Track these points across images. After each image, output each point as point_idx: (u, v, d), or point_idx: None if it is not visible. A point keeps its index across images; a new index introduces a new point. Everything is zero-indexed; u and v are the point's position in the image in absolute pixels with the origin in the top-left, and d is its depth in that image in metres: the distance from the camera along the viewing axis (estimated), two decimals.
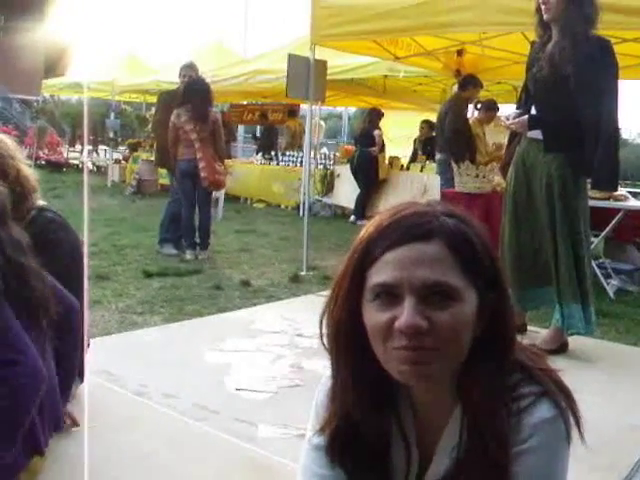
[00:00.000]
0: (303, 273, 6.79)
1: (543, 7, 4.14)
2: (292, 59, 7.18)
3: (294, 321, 4.79)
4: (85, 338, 2.91)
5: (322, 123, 17.29)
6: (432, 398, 1.30)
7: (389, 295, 1.20)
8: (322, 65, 7.37)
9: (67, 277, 2.68)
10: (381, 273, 1.21)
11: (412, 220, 1.23)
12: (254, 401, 3.38)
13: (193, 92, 7.37)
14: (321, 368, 3.54)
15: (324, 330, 1.32)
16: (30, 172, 2.84)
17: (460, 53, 8.83)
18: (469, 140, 8.52)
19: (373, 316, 1.22)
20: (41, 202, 2.94)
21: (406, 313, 1.17)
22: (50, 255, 2.46)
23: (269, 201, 13.71)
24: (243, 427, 3.01)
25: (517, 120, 4.34)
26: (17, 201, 2.59)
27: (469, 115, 9.49)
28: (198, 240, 7.57)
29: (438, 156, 9.18)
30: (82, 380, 3.03)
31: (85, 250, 2.98)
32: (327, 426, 1.35)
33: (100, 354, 3.44)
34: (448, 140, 8.60)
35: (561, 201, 4.20)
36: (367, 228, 1.27)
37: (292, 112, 16.73)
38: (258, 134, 19.91)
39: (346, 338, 1.28)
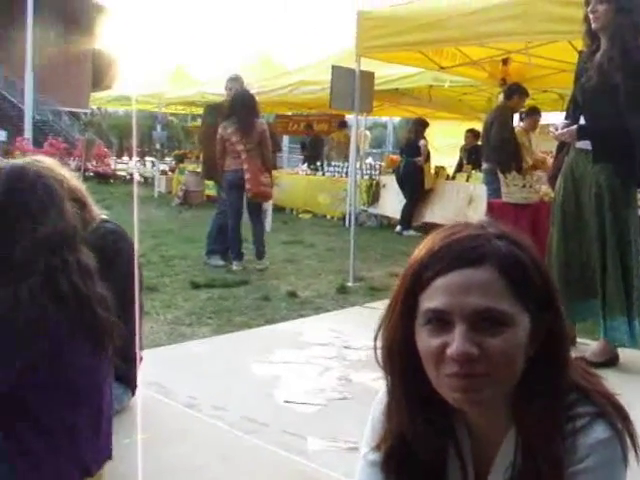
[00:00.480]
0: (350, 284, 6.78)
1: (591, 16, 4.09)
2: (336, 70, 7.21)
3: (342, 333, 4.79)
4: (137, 351, 2.95)
5: (367, 133, 17.23)
6: (486, 420, 1.30)
7: (440, 321, 1.20)
8: (369, 76, 7.37)
9: (126, 287, 2.70)
10: (432, 299, 1.21)
11: (464, 244, 1.22)
12: (303, 414, 3.38)
13: (239, 105, 7.45)
14: (369, 381, 3.54)
15: (378, 346, 1.33)
16: (79, 183, 2.83)
17: (505, 62, 8.77)
18: (515, 150, 8.46)
19: (425, 340, 1.23)
20: (102, 215, 2.94)
21: (457, 341, 1.17)
22: (109, 265, 2.46)
23: (315, 212, 13.72)
24: (292, 440, 3.01)
25: (566, 130, 4.30)
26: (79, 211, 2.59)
27: (515, 124, 9.41)
28: (253, 250, 7.65)
29: (484, 166, 9.12)
30: (134, 393, 3.08)
31: (135, 261, 3.00)
32: (383, 443, 1.35)
33: (150, 366, 3.47)
34: (494, 150, 8.54)
35: (611, 211, 4.15)
36: (419, 250, 1.27)
37: (342, 124, 16.67)
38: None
39: (400, 357, 1.29)
